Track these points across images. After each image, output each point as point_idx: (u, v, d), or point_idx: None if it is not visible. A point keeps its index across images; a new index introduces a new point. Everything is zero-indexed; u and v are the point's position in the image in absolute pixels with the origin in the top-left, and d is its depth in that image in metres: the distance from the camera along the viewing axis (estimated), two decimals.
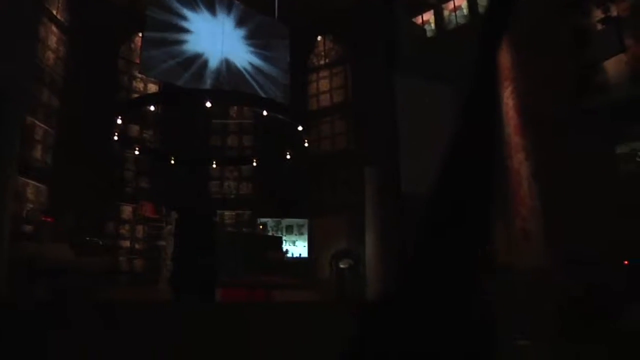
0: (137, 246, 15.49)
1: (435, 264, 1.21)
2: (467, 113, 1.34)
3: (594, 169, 12.00)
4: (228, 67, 16.74)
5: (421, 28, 16.95)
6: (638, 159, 12.97)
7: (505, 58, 13.89)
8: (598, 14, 12.17)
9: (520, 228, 13.11)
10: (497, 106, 1.38)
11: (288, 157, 14.74)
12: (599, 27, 12.10)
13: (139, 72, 16.33)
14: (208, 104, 11.68)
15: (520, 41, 13.65)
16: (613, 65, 12.51)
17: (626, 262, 11.42)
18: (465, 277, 1.21)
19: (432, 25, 17.07)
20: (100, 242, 13.34)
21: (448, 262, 1.21)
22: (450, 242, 1.22)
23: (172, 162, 14.87)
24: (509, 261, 12.72)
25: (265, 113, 12.30)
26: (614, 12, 12.01)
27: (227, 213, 17.25)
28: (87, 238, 12.65)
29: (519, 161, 13.33)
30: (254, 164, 16.51)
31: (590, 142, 12.13)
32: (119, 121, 12.75)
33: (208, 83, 16.02)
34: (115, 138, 13.37)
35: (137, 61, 16.33)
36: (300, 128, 13.24)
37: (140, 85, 16.44)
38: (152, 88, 16.63)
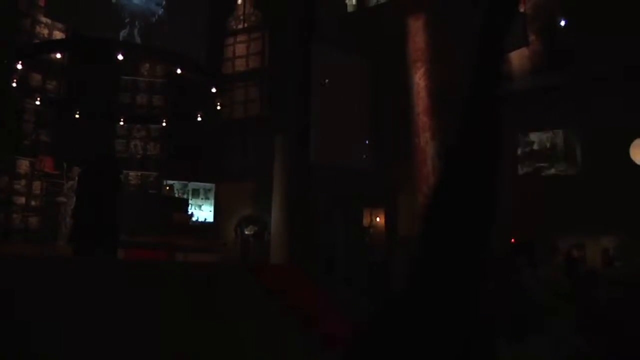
0: (33, 203, 14.69)
1: (440, 266, 1.25)
2: (468, 117, 1.37)
3: None
4: (143, 19, 16.08)
5: (342, 2, 17.07)
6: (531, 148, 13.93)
7: (419, 41, 14.32)
8: None
9: (422, 204, 13.74)
10: (498, 108, 1.42)
11: (199, 119, 14.49)
12: None
13: (44, 16, 15.30)
14: (120, 57, 11.21)
15: (434, 26, 14.12)
16: (517, 58, 13.29)
17: (512, 240, 12.34)
18: (468, 278, 1.26)
19: (354, 0, 17.22)
20: None
21: (452, 265, 1.24)
22: (453, 246, 1.25)
23: (77, 115, 14.20)
24: (412, 235, 13.33)
25: (179, 71, 12.00)
26: (521, 8, 12.69)
27: (132, 173, 16.73)
28: None
29: (425, 140, 13.90)
30: (164, 124, 16.10)
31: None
32: (19, 67, 11.98)
33: (121, 35, 15.35)
34: (14, 85, 12.57)
35: (42, 4, 15.27)
36: (214, 90, 13.04)
37: (45, 31, 15.38)
38: (58, 35, 15.63)
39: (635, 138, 11.35)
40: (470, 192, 1.28)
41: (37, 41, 14.83)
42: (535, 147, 13.90)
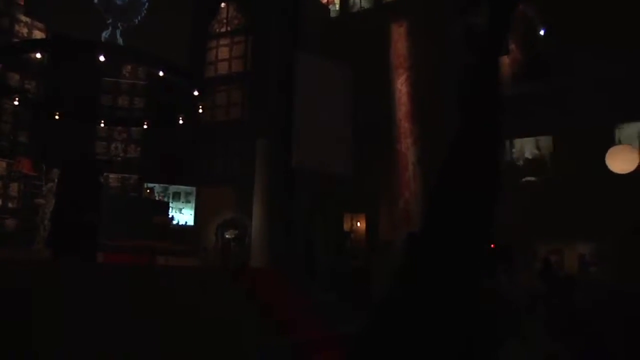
0: (10, 205, 14.44)
1: (441, 258, 1.25)
2: (468, 114, 1.39)
3: None
4: (125, 21, 15.97)
5: (325, 7, 17.14)
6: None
7: (401, 47, 14.44)
8: None
9: (402, 209, 13.86)
10: (498, 106, 1.44)
11: (181, 122, 14.42)
12: None
13: (24, 15, 15.11)
14: (101, 58, 11.12)
15: (416, 32, 14.26)
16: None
17: (492, 245, 12.49)
18: (469, 272, 1.27)
19: (337, 6, 17.30)
20: None
21: (453, 257, 1.25)
22: (455, 238, 1.26)
23: (57, 117, 14.05)
24: (391, 239, 13.42)
25: (161, 74, 11.93)
26: None
27: (113, 176, 16.60)
28: None
29: (406, 146, 14.02)
30: (145, 126, 15.99)
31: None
32: None
33: (103, 36, 15.23)
34: None
35: (21, 2, 15.08)
36: (196, 93, 12.98)
37: (24, 31, 15.20)
38: (38, 34, 15.45)
39: (611, 146, 11.56)
40: (472, 190, 1.29)
41: (16, 40, 14.64)
42: (513, 154, 14.07)
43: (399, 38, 14.45)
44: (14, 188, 14.53)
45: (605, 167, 11.05)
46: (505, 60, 13.17)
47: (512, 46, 13.26)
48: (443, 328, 1.26)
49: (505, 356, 2.46)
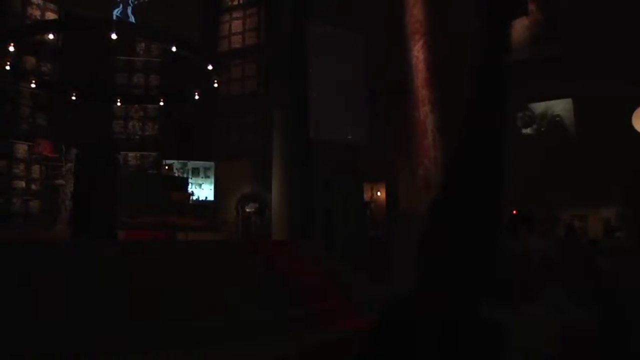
0: (33, 187, 14.65)
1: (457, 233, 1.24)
2: (478, 86, 1.36)
3: None
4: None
5: None
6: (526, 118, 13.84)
7: (417, 12, 14.11)
8: None
9: (422, 177, 13.71)
10: (504, 73, 1.40)
11: (196, 97, 14.38)
12: None
13: None
14: (114, 36, 11.07)
15: None
16: (516, 28, 13.10)
17: (514, 212, 12.32)
18: (488, 234, 1.25)
19: None
20: None
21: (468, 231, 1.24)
22: (471, 201, 1.25)
23: (73, 98, 14.11)
24: (412, 208, 13.34)
25: (174, 49, 11.86)
26: None
27: (131, 154, 16.71)
28: None
29: (425, 113, 13.77)
30: (161, 103, 16.00)
31: None
32: (11, 49, 11.85)
33: (114, 14, 15.15)
34: (8, 68, 12.45)
35: None
36: (210, 67, 12.90)
37: (37, 13, 15.20)
38: (51, 16, 15.44)
39: (636, 107, 11.23)
40: (482, 161, 1.30)
41: (29, 22, 14.66)
42: (535, 118, 13.80)
43: (415, 3, 14.11)
44: (35, 170, 14.72)
45: (631, 127, 10.76)
46: (524, 21, 12.81)
47: (532, 7, 12.88)
48: (467, 291, 1.27)
49: (526, 322, 2.40)
